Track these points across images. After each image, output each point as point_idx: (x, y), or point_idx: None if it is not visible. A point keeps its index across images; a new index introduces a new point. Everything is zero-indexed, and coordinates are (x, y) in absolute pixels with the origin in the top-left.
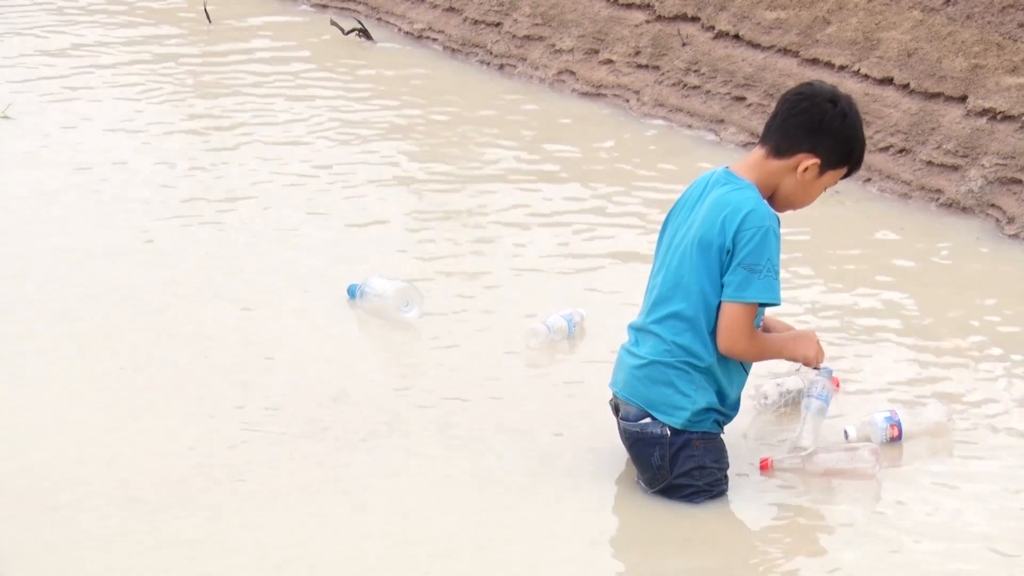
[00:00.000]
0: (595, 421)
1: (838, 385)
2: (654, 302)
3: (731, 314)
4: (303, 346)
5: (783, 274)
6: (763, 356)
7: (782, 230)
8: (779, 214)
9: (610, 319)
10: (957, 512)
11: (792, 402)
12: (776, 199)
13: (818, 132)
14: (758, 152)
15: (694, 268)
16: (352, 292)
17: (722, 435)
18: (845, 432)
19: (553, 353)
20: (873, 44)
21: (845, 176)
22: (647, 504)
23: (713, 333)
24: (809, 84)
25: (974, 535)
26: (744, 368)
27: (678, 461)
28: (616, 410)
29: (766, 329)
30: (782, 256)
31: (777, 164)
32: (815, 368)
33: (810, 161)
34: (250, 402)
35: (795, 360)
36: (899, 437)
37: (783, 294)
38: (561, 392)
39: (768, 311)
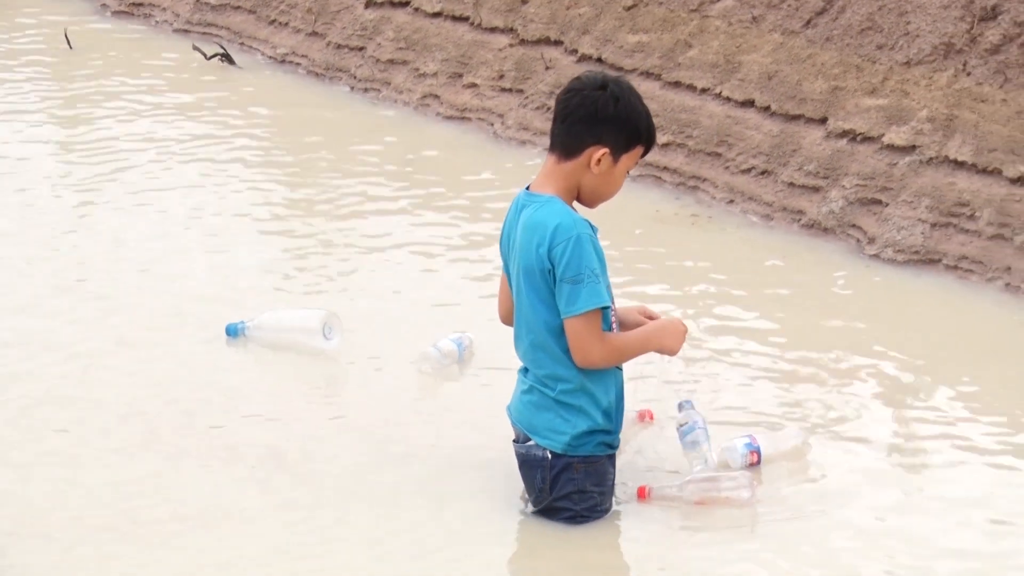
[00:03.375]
0: (485, 442)
1: (652, 418)
2: (514, 336)
3: (573, 329)
4: (196, 386)
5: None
6: (624, 356)
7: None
8: (592, 212)
9: (497, 341)
10: (818, 535)
11: None
12: (583, 198)
13: (596, 122)
14: (550, 160)
15: (529, 298)
16: (233, 331)
17: (612, 454)
18: (705, 458)
19: (445, 377)
20: (734, 67)
21: (645, 153)
22: (539, 529)
23: (569, 352)
24: (577, 79)
25: (841, 556)
26: (617, 365)
27: (558, 484)
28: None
29: (623, 322)
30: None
31: (571, 165)
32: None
33: (599, 152)
34: (166, 442)
35: (660, 352)
36: (759, 463)
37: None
38: (454, 415)
39: (620, 301)
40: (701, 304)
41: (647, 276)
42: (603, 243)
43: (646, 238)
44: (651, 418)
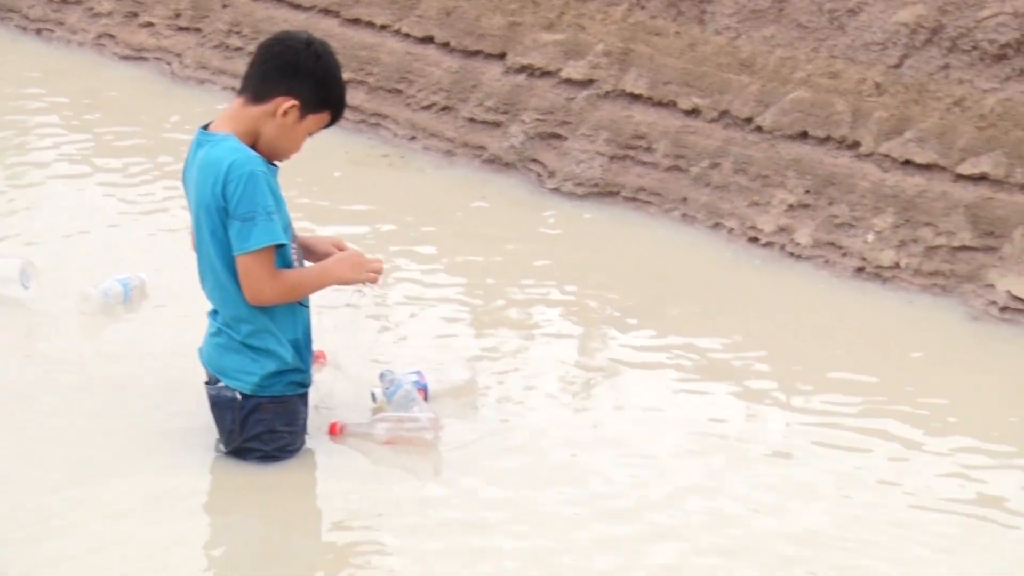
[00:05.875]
0: (181, 383)
1: (324, 358)
2: (199, 277)
3: (244, 266)
4: None
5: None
6: (300, 292)
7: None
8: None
9: (179, 282)
10: (500, 470)
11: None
12: (260, 146)
13: (294, 74)
14: (237, 101)
15: (206, 238)
16: None
17: (303, 393)
18: (372, 395)
19: (112, 317)
20: (413, 3)
21: (330, 123)
22: (221, 467)
23: None
24: (285, 31)
25: (522, 488)
26: (301, 303)
27: (248, 425)
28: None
29: (309, 251)
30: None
31: (257, 110)
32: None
33: (288, 103)
34: None
35: (341, 284)
36: (425, 398)
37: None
38: (147, 356)
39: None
40: (411, 248)
41: (354, 220)
42: (303, 187)
43: (346, 181)
44: (323, 358)
